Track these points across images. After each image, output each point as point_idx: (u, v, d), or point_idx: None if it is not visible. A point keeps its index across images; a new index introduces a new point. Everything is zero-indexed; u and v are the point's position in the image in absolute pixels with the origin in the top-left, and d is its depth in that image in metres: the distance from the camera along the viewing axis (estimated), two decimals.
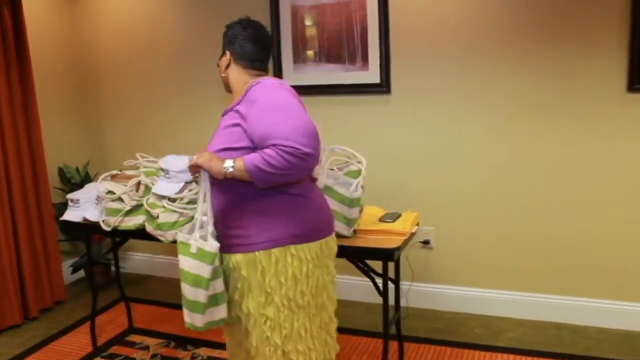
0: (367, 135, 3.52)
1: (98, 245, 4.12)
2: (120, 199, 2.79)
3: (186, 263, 1.94)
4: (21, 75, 3.66)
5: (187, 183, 2.71)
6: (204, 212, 1.96)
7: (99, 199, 2.87)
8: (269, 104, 1.83)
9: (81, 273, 4.34)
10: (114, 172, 3.04)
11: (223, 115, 2.03)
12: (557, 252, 3.24)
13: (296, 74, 3.58)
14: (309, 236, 1.96)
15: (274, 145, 1.74)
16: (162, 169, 2.70)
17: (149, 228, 2.69)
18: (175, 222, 2.63)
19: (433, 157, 3.40)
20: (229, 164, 1.83)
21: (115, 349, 3.25)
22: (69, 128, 4.28)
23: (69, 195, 2.97)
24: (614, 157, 3.04)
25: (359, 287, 3.68)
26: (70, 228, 3.01)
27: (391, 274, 2.74)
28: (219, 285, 1.95)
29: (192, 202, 2.66)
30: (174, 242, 2.66)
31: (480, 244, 3.40)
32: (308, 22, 3.48)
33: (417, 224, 2.74)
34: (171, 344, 3.28)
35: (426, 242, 3.49)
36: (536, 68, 3.09)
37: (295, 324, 1.96)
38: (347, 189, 2.45)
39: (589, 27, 2.96)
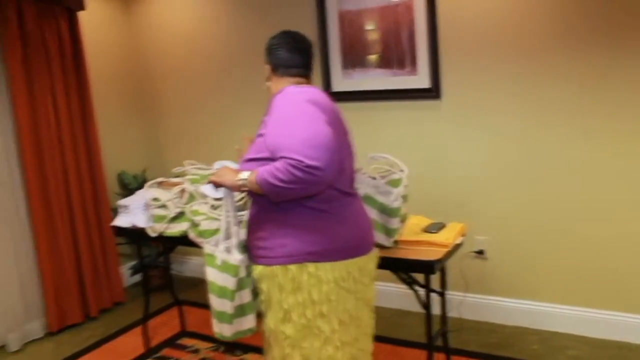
0: (416, 142, 3.42)
1: (156, 249, 4.22)
2: (165, 206, 2.84)
3: (212, 274, 1.95)
4: (79, 86, 3.81)
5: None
6: (228, 225, 1.95)
7: (146, 206, 2.93)
8: (281, 114, 1.80)
9: (140, 275, 4.47)
10: (160, 179, 3.10)
11: None
12: (624, 268, 3.02)
13: (345, 80, 3.53)
14: (333, 254, 1.86)
15: (282, 157, 1.69)
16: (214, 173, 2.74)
17: (192, 235, 2.72)
18: (217, 230, 2.64)
19: (486, 165, 3.26)
20: (242, 177, 1.81)
21: (166, 352, 3.32)
22: (128, 135, 4.42)
23: (120, 202, 3.05)
24: None
25: (412, 296, 3.58)
26: (121, 233, 3.09)
27: (437, 284, 2.64)
28: (245, 296, 1.94)
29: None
30: None
31: (538, 255, 3.22)
32: (356, 27, 3.42)
33: (463, 235, 2.63)
34: (220, 348, 3.31)
35: (480, 252, 3.35)
36: (601, 71, 2.89)
37: (315, 343, 1.87)
38: (388, 197, 2.37)
39: None
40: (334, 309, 1.86)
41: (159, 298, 4.05)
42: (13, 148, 3.51)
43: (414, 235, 2.53)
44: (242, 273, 1.91)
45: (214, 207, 2.67)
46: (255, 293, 2.04)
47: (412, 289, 2.49)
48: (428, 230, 2.57)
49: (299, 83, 2.02)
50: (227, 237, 1.97)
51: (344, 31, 3.46)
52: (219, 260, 1.93)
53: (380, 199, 2.38)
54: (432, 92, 3.28)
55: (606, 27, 2.85)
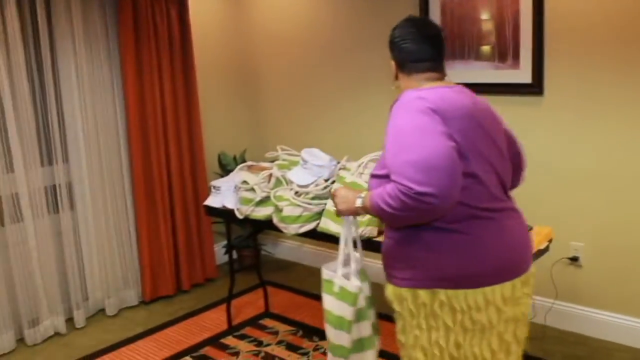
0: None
1: (248, 229, 4.35)
2: (253, 189, 2.92)
3: (329, 302, 1.82)
4: (185, 69, 3.97)
5: (322, 179, 2.74)
6: (347, 250, 1.84)
7: (236, 188, 3.03)
8: (394, 129, 1.62)
9: (234, 253, 4.63)
10: (250, 163, 3.18)
11: None
12: None
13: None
14: (466, 282, 1.64)
15: (393, 180, 1.54)
16: (303, 159, 2.78)
17: (275, 219, 2.78)
18: (299, 217, 2.68)
19: (588, 167, 3.06)
20: (357, 204, 1.69)
21: (246, 330, 3.43)
22: (230, 117, 4.56)
23: (213, 182, 3.17)
24: None
25: None
26: (213, 213, 3.22)
27: None
28: (364, 329, 1.81)
29: (317, 197, 2.69)
30: (296, 235, 2.73)
31: (637, 269, 3.00)
32: (458, 17, 3.32)
33: (550, 240, 2.50)
34: (299, 333, 3.37)
35: (574, 259, 3.17)
36: None
37: None
38: None
39: None
40: (474, 342, 1.69)
41: (248, 277, 4.16)
42: (123, 125, 3.75)
43: None
44: (361, 303, 1.78)
45: (297, 194, 2.71)
46: (376, 328, 1.91)
47: None
48: None
49: (429, 79, 1.80)
50: (346, 263, 1.85)
51: (446, 21, 3.37)
52: (337, 287, 1.79)
53: None
54: (535, 88, 3.13)
55: None
